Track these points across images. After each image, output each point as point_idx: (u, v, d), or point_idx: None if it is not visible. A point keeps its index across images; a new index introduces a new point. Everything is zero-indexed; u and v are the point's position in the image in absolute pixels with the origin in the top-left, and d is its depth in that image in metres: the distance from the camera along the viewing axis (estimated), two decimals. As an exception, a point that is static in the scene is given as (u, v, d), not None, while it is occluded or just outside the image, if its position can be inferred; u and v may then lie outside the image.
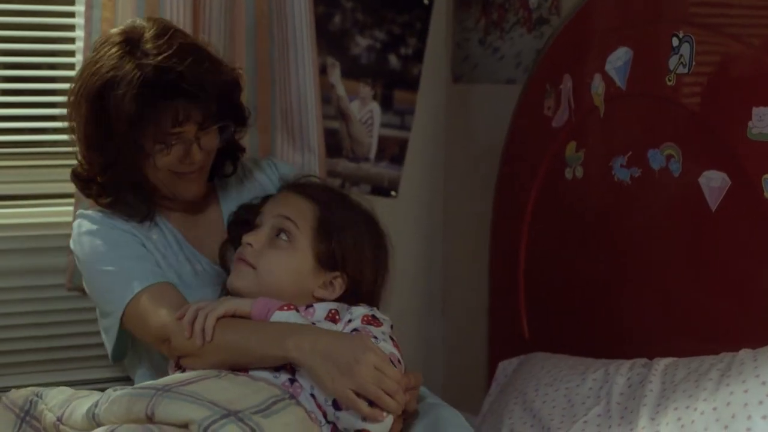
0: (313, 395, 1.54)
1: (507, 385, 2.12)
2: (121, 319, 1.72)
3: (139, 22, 1.76)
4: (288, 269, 1.65)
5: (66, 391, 1.62)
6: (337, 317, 1.64)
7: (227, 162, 1.88)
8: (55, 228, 2.29)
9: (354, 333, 1.59)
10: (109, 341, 1.78)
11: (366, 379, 1.48)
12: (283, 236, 1.66)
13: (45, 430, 1.58)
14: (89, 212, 1.81)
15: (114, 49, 1.68)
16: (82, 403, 1.55)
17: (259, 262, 1.64)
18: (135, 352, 1.85)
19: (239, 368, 1.59)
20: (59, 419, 1.55)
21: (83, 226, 1.79)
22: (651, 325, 1.99)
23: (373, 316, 1.64)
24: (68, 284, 2.26)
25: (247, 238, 1.66)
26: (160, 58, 1.64)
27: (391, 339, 1.63)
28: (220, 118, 1.73)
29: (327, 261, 1.67)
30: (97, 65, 1.68)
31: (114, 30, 1.77)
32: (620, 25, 2.08)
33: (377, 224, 1.77)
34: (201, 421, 1.38)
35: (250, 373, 1.57)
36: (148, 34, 1.69)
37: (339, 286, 1.69)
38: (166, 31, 1.70)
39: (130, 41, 1.68)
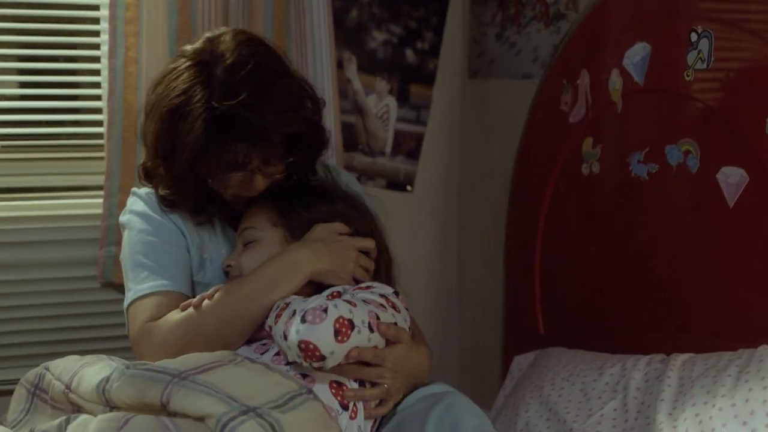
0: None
1: (523, 379, 2.13)
2: (127, 307, 1.75)
3: (222, 38, 1.70)
4: (264, 259, 1.70)
5: (71, 359, 1.62)
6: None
7: (294, 176, 1.84)
8: (84, 220, 2.32)
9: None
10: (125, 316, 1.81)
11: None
12: (251, 242, 1.73)
13: (54, 400, 1.58)
14: (144, 192, 1.83)
15: (187, 74, 1.67)
16: (89, 372, 1.55)
17: (242, 270, 1.71)
18: None
19: (243, 327, 1.63)
20: (68, 387, 1.55)
21: (137, 205, 1.81)
22: (668, 321, 1.99)
23: (368, 287, 1.68)
24: (99, 279, 2.28)
25: (225, 262, 1.75)
26: (227, 102, 1.62)
27: (383, 296, 1.66)
28: (286, 157, 1.71)
29: (295, 232, 1.72)
30: (170, 85, 1.68)
31: (191, 47, 1.72)
32: (638, 21, 2.07)
33: (325, 185, 1.83)
34: (220, 416, 1.38)
35: (266, 363, 1.58)
36: (223, 64, 1.65)
37: None
38: (243, 61, 1.65)
39: (206, 68, 1.66)
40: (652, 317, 2.03)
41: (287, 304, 1.59)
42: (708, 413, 1.65)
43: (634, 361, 1.89)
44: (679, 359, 1.82)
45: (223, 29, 1.76)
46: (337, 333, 1.52)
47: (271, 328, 1.60)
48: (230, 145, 1.64)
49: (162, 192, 1.79)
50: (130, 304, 1.74)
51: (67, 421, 1.50)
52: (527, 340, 2.32)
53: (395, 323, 1.63)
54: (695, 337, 1.90)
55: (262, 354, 1.62)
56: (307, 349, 1.51)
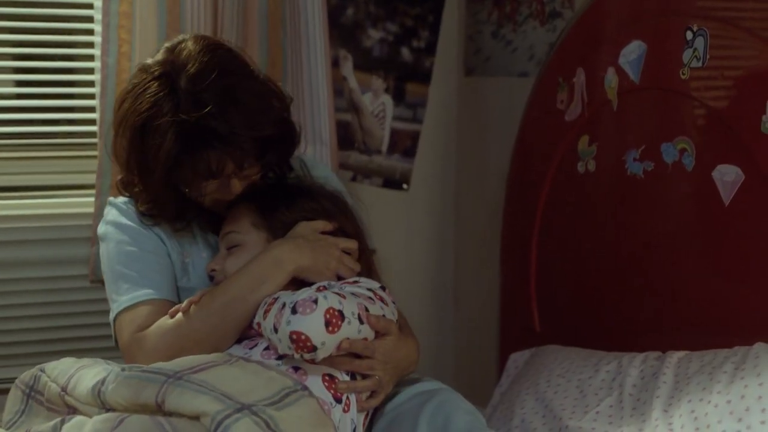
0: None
1: (519, 376, 2.13)
2: (114, 320, 1.75)
3: (182, 47, 1.69)
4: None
5: (67, 361, 1.62)
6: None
7: (270, 174, 1.84)
8: (75, 219, 2.32)
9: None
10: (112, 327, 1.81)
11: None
12: (234, 246, 1.73)
13: (49, 402, 1.58)
14: (120, 202, 1.82)
15: (152, 88, 1.66)
16: (86, 374, 1.55)
17: (227, 274, 1.70)
18: None
19: (233, 328, 1.63)
20: (63, 389, 1.55)
21: (112, 215, 1.80)
22: (664, 318, 1.99)
23: (354, 281, 1.68)
24: (91, 276, 2.28)
25: (209, 266, 1.74)
26: (195, 113, 1.61)
27: (371, 290, 1.67)
28: (259, 159, 1.71)
29: (278, 234, 1.71)
30: (137, 101, 1.67)
31: (152, 60, 1.70)
32: (634, 19, 2.08)
33: (304, 183, 1.83)
34: (214, 414, 1.38)
35: (259, 361, 1.58)
36: (186, 74, 1.64)
37: None
38: (207, 69, 1.64)
39: (169, 79, 1.65)
40: (648, 315, 2.03)
41: (275, 299, 1.59)
42: (703, 410, 1.65)
43: (630, 358, 1.90)
44: (675, 356, 1.82)
45: (181, 37, 1.74)
46: (327, 323, 1.52)
47: (260, 324, 1.60)
48: (202, 155, 1.63)
49: (141, 207, 1.78)
50: (116, 317, 1.73)
51: (62, 422, 1.51)
52: (523, 337, 2.33)
53: (383, 315, 1.64)
54: (691, 335, 1.91)
55: (251, 349, 1.62)
56: (298, 339, 1.51)
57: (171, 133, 1.62)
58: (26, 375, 1.65)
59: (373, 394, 1.64)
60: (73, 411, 1.55)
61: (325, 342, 1.52)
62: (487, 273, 2.60)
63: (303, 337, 1.51)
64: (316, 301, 1.53)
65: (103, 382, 1.50)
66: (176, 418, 1.42)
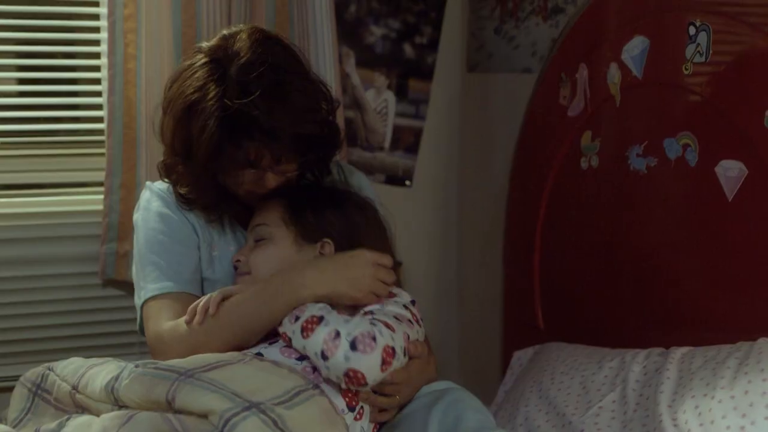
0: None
1: (523, 374, 2.13)
2: (141, 307, 1.77)
3: (238, 36, 1.70)
4: (274, 259, 1.70)
5: (77, 360, 1.63)
6: None
7: (307, 174, 1.85)
8: (84, 216, 2.32)
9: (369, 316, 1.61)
10: (138, 313, 1.82)
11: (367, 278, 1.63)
12: (262, 239, 1.73)
13: (57, 401, 1.59)
14: (158, 187, 1.84)
15: (201, 72, 1.68)
16: (99, 372, 1.55)
17: (251, 267, 1.71)
18: None
19: (247, 342, 1.63)
20: (74, 388, 1.56)
21: (152, 201, 1.82)
22: (667, 314, 1.99)
23: (393, 295, 1.68)
24: (101, 276, 2.29)
25: (234, 257, 1.75)
26: (240, 101, 1.62)
27: (406, 307, 1.66)
28: (298, 157, 1.72)
29: (307, 235, 1.71)
30: (185, 83, 1.69)
31: (207, 44, 1.73)
32: (636, 14, 2.07)
33: (338, 189, 1.82)
34: (222, 412, 1.38)
35: (273, 360, 1.57)
36: (238, 62, 1.66)
37: (329, 249, 1.72)
38: (258, 60, 1.65)
39: (220, 66, 1.67)
40: (650, 311, 2.03)
41: (319, 318, 1.56)
42: (707, 405, 1.65)
43: (633, 354, 1.90)
44: (679, 352, 1.82)
45: (240, 26, 1.76)
46: (383, 362, 1.52)
47: (286, 334, 1.58)
48: (242, 144, 1.65)
49: (181, 190, 1.79)
50: (143, 304, 1.75)
51: (67, 419, 1.51)
52: (527, 335, 2.33)
53: (417, 339, 1.65)
54: (694, 330, 1.90)
55: (270, 344, 1.62)
56: (354, 377, 1.51)
57: (214, 118, 1.63)
58: (32, 373, 1.65)
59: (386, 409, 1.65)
60: (82, 410, 1.55)
61: (376, 379, 1.53)
62: (490, 270, 2.60)
63: (360, 375, 1.51)
64: (375, 339, 1.52)
65: (117, 378, 1.51)
66: (185, 416, 1.42)
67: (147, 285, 1.75)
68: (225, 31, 1.75)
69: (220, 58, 1.68)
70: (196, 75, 1.68)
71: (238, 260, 1.73)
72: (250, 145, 1.65)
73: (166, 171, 1.80)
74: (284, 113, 1.64)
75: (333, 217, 1.72)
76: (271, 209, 1.73)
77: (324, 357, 1.52)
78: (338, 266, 1.64)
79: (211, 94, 1.65)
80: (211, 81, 1.66)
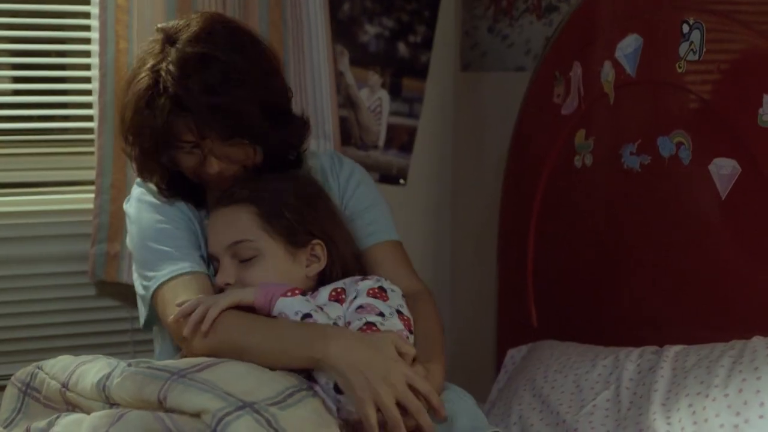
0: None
1: (516, 372, 2.13)
2: (153, 296, 1.71)
3: (190, 18, 1.71)
4: (272, 275, 1.64)
5: (66, 358, 1.61)
6: (342, 296, 1.64)
7: (276, 166, 1.79)
8: (74, 215, 2.31)
9: (371, 331, 1.57)
10: (143, 307, 1.79)
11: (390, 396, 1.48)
12: (246, 257, 1.65)
13: (47, 399, 1.58)
14: (148, 183, 1.82)
15: (146, 47, 1.70)
16: (89, 369, 1.54)
17: (251, 284, 1.63)
18: (161, 326, 1.84)
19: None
20: (64, 386, 1.55)
21: (144, 194, 1.80)
22: (660, 313, 1.99)
23: (380, 288, 1.65)
24: (91, 277, 2.28)
25: (221, 281, 1.65)
26: (176, 71, 1.62)
27: (399, 312, 1.64)
28: (234, 138, 1.67)
29: (295, 239, 1.66)
30: (138, 59, 1.72)
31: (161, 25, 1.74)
32: (630, 12, 2.07)
33: (305, 178, 1.78)
34: (215, 411, 1.37)
35: None
36: (177, 36, 1.66)
37: (320, 250, 1.69)
38: (195, 36, 1.66)
39: (163, 42, 1.67)
40: (645, 309, 2.03)
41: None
42: (701, 404, 1.65)
43: (627, 352, 1.90)
44: (672, 350, 1.82)
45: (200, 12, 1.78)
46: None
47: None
48: (156, 110, 1.63)
49: (161, 187, 1.77)
50: (155, 292, 1.69)
51: (57, 418, 1.50)
52: (520, 333, 2.32)
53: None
54: (688, 329, 1.90)
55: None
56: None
57: (143, 87, 1.65)
58: (22, 372, 1.64)
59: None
60: (72, 408, 1.54)
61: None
62: (484, 268, 2.60)
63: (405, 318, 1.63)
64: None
65: (108, 376, 1.50)
66: (178, 415, 1.41)
67: (157, 273, 1.69)
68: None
69: (162, 37, 1.68)
70: (142, 49, 1.70)
71: (227, 284, 1.64)
72: (173, 120, 1.63)
73: (138, 173, 1.79)
74: (195, 82, 1.62)
75: (305, 209, 1.68)
76: (242, 221, 1.65)
77: (338, 390, 1.49)
78: (373, 365, 1.50)
79: (146, 66, 1.66)
80: (149, 54, 1.67)
